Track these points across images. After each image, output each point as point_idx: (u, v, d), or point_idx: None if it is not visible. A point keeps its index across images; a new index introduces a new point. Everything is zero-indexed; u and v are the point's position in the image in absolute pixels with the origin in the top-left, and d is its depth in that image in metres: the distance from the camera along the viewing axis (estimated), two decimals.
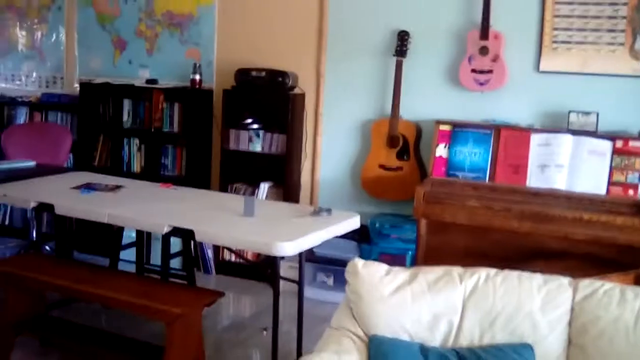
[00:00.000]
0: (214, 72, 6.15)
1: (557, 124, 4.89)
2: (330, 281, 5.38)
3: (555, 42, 4.97)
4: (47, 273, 4.00)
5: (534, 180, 4.67)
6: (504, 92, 5.09)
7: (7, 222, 6.69)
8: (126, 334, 4.14)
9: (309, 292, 4.93)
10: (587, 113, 4.70)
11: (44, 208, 4.23)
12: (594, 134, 4.64)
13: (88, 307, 4.79)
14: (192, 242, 4.99)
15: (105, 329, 4.36)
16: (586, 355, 2.53)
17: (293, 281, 4.20)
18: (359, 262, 2.90)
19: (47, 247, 5.94)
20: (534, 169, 4.68)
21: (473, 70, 5.07)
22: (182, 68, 6.20)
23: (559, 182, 4.60)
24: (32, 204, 4.23)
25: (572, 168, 4.60)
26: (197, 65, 6.04)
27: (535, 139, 4.73)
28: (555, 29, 4.96)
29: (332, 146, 5.73)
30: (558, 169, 4.61)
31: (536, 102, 5.04)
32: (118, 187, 4.63)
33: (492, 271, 2.79)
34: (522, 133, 4.79)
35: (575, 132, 4.67)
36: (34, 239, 5.91)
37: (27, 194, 4.33)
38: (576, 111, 4.73)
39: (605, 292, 2.60)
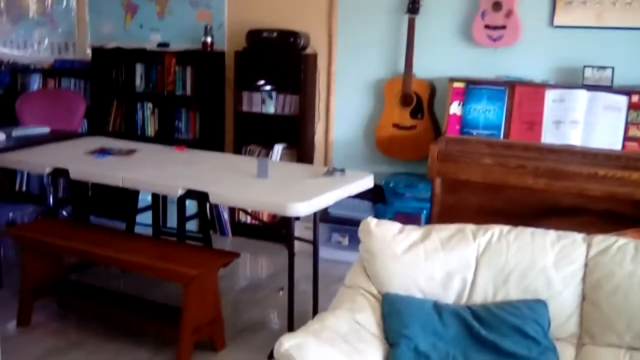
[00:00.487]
0: (225, 34, 6.12)
1: (572, 80, 4.84)
2: (345, 241, 5.40)
3: None
4: (65, 237, 4.04)
5: (548, 136, 4.64)
6: (518, 48, 5.03)
7: (24, 189, 6.73)
8: (143, 296, 4.18)
9: (324, 252, 4.95)
10: (603, 68, 4.65)
11: (59, 173, 4.26)
12: (609, 89, 4.59)
13: (105, 270, 4.83)
14: (207, 204, 5.01)
15: (122, 291, 4.40)
16: (600, 311, 2.53)
17: (308, 241, 4.22)
18: (372, 221, 2.90)
19: (64, 212, 5.98)
20: (549, 125, 4.65)
21: (486, 26, 5.02)
22: (193, 31, 6.16)
23: (574, 138, 4.57)
24: (48, 170, 4.26)
25: (587, 124, 4.56)
26: (209, 27, 6.00)
27: (550, 94, 4.69)
28: None
29: (345, 106, 5.71)
30: (573, 124, 4.58)
31: (550, 57, 4.99)
32: (132, 150, 4.64)
33: (506, 228, 2.79)
34: (536, 89, 4.74)
35: (590, 88, 4.62)
36: (51, 205, 5.95)
37: (42, 160, 4.35)
38: (591, 66, 4.68)
39: (620, 247, 2.60)
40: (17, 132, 5.10)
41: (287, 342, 2.37)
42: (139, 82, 6.23)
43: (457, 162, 4.60)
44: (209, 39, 5.98)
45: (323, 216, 4.92)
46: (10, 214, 5.92)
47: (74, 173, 4.18)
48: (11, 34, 7.16)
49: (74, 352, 3.84)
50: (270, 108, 5.70)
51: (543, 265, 2.63)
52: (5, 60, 7.11)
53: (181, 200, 4.52)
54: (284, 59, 5.69)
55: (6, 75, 6.90)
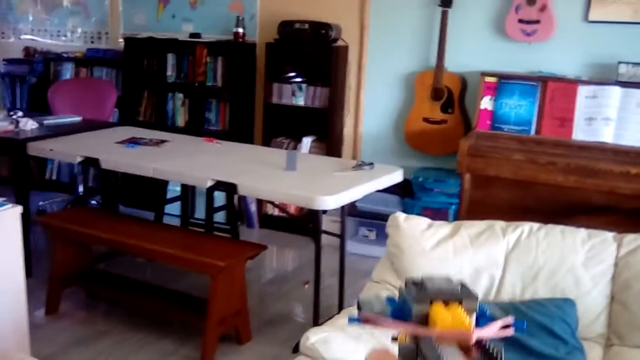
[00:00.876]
0: (257, 25, 6.12)
1: (605, 76, 4.78)
2: (373, 235, 5.39)
3: None
4: (94, 227, 4.07)
5: (580, 133, 4.59)
6: (552, 43, 4.98)
7: (54, 177, 6.79)
8: (170, 286, 4.20)
9: (351, 246, 4.95)
10: (637, 64, 4.57)
11: (90, 162, 4.29)
12: None
13: (132, 259, 4.86)
14: (235, 196, 5.03)
15: (149, 281, 4.43)
16: (629, 311, 2.50)
17: (335, 235, 4.21)
18: (401, 216, 2.89)
19: (94, 202, 6.03)
20: (581, 121, 4.59)
21: (520, 21, 4.96)
22: (225, 21, 6.17)
23: (606, 135, 4.51)
24: (78, 159, 4.29)
25: (620, 121, 4.50)
26: (241, 18, 6.00)
27: (583, 91, 4.63)
28: None
29: (375, 99, 5.68)
30: (605, 121, 4.52)
31: (584, 53, 4.93)
32: (162, 141, 4.66)
33: (535, 225, 2.76)
34: (569, 85, 4.69)
35: (624, 84, 4.55)
36: (81, 194, 6.00)
37: (74, 149, 4.38)
38: (626, 62, 4.61)
39: None
40: (49, 121, 5.14)
41: (314, 336, 2.37)
42: (170, 72, 6.25)
43: (487, 157, 4.56)
44: (240, 30, 5.98)
45: (350, 210, 4.91)
46: (40, 203, 5.99)
47: (105, 163, 4.20)
48: (45, 23, 7.23)
49: (100, 341, 3.87)
50: (300, 100, 5.69)
51: (572, 263, 2.60)
52: (38, 49, 7.18)
53: (210, 192, 4.54)
54: (315, 51, 5.68)
55: (39, 64, 6.97)
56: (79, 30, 7.08)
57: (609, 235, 2.67)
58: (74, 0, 7.06)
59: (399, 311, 0.52)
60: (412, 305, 0.49)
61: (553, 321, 2.49)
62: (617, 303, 2.53)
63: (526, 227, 2.75)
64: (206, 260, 3.59)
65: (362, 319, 0.53)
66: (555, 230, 2.72)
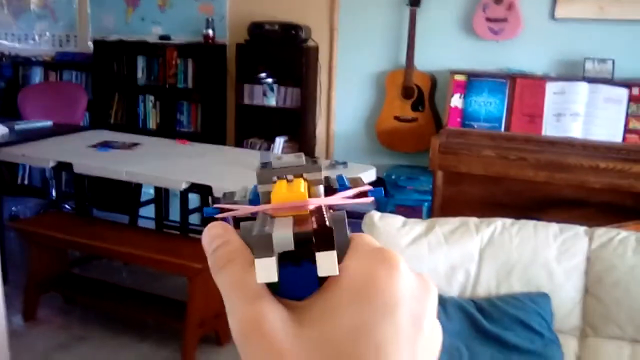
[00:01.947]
0: (226, 27, 6.12)
1: (572, 72, 4.85)
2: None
3: None
4: (69, 231, 4.06)
5: (549, 129, 4.66)
6: (519, 41, 5.05)
7: (26, 182, 6.75)
8: (147, 289, 4.21)
9: None
10: (603, 60, 4.66)
11: (63, 167, 4.28)
12: (610, 81, 4.60)
13: (107, 263, 4.86)
14: (209, 198, 5.03)
15: (126, 284, 4.43)
16: (602, 304, 2.56)
17: None
18: (376, 215, 2.93)
19: (67, 206, 6.00)
20: (550, 117, 4.67)
21: (487, 19, 5.03)
22: (194, 23, 6.17)
23: (575, 130, 4.59)
24: (51, 163, 4.29)
25: (587, 116, 4.58)
26: (210, 20, 6.01)
27: (551, 87, 4.70)
28: None
29: (347, 98, 5.72)
30: (574, 117, 4.60)
31: (551, 50, 5.00)
32: (135, 144, 4.67)
33: (508, 221, 2.81)
34: (537, 82, 4.76)
35: (591, 80, 4.63)
36: (54, 198, 5.98)
37: (46, 154, 4.38)
38: (592, 59, 4.69)
39: (621, 240, 2.62)
40: (19, 126, 5.12)
41: None
42: (140, 75, 6.24)
43: (458, 154, 4.62)
44: (210, 32, 5.98)
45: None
46: (13, 208, 5.95)
47: (78, 167, 4.20)
48: (12, 27, 7.17)
49: (79, 346, 3.87)
50: (272, 101, 5.71)
51: (545, 258, 2.65)
52: (6, 53, 7.13)
53: (184, 194, 4.55)
54: (286, 52, 5.70)
55: (8, 68, 6.92)
56: (47, 33, 7.03)
57: (581, 229, 2.73)
58: (41, 4, 7.02)
59: (257, 196, 0.52)
60: (257, 187, 0.50)
61: (529, 315, 2.54)
62: (590, 296, 2.59)
63: (499, 222, 2.80)
64: (183, 263, 3.60)
65: (219, 210, 0.52)
66: (528, 226, 2.77)
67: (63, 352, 3.79)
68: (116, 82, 6.36)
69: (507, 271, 2.69)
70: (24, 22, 7.11)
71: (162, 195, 5.22)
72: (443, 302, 2.69)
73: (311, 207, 0.45)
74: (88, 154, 4.38)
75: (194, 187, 3.87)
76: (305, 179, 0.49)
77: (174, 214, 5.33)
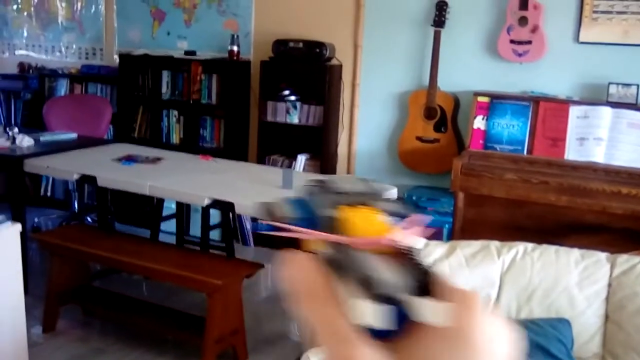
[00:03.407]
0: (251, 43, 6.17)
1: (596, 96, 4.84)
2: None
3: (595, 12, 4.89)
4: (91, 244, 4.09)
5: (572, 153, 4.65)
6: (543, 63, 5.04)
7: (49, 194, 6.81)
8: (166, 304, 4.23)
9: None
10: (628, 85, 4.64)
11: (87, 180, 4.32)
12: (634, 106, 4.59)
13: (129, 277, 4.88)
14: (230, 214, 5.06)
15: (146, 299, 4.45)
16: (623, 331, 2.54)
17: None
18: (397, 236, 2.93)
19: (89, 219, 6.04)
20: (573, 141, 4.65)
21: (512, 41, 5.03)
22: (219, 39, 6.22)
23: (598, 155, 4.57)
24: (75, 176, 4.32)
25: (611, 141, 4.56)
26: (235, 36, 6.05)
27: (574, 111, 4.69)
28: None
29: (369, 118, 5.74)
30: (597, 141, 4.58)
31: (575, 73, 5.00)
32: (158, 158, 4.70)
33: (530, 246, 2.81)
34: (560, 105, 4.75)
35: (614, 105, 4.62)
36: (76, 211, 6.02)
37: (70, 166, 4.42)
38: (616, 83, 4.68)
39: None
40: (44, 137, 5.17)
41: (314, 357, 2.40)
42: (165, 89, 6.29)
43: (480, 176, 4.61)
44: (235, 48, 6.02)
45: None
46: (35, 219, 6.00)
47: (102, 180, 4.23)
48: (40, 38, 7.26)
49: (97, 358, 3.89)
50: (295, 118, 5.74)
51: (567, 284, 2.65)
52: (33, 65, 7.21)
53: (206, 210, 4.57)
54: (309, 70, 5.73)
55: (34, 80, 6.99)
56: (74, 46, 7.11)
57: (603, 255, 2.72)
58: (69, 17, 7.10)
59: (310, 219, 0.51)
60: (316, 210, 0.49)
61: (549, 341, 2.53)
62: (611, 323, 2.58)
63: (521, 247, 2.80)
64: (203, 279, 3.62)
65: (274, 227, 0.52)
66: (550, 251, 2.76)
67: None
68: (141, 96, 6.41)
69: (528, 296, 2.68)
70: (51, 34, 7.19)
71: (183, 211, 5.24)
72: None
73: (393, 242, 0.46)
74: (112, 168, 4.42)
75: (216, 203, 3.89)
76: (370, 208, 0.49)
77: (195, 229, 5.35)
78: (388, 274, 0.42)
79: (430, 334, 0.43)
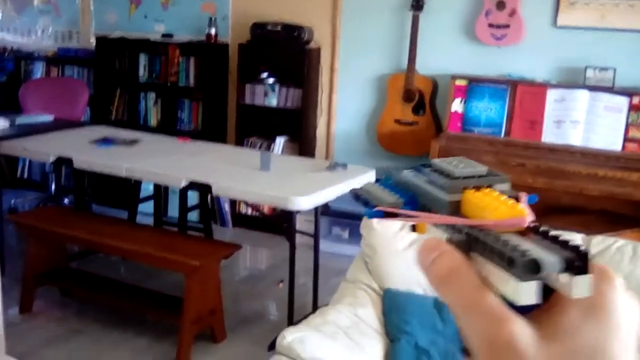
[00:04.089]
0: (229, 26, 6.14)
1: (573, 80, 4.87)
2: (345, 234, 5.44)
3: None
4: (68, 226, 4.07)
5: (549, 135, 4.68)
6: (521, 47, 5.06)
7: (25, 175, 6.76)
8: (144, 285, 4.22)
9: (324, 245, 4.98)
10: (604, 69, 4.68)
11: (63, 162, 4.29)
12: (610, 89, 4.62)
13: (105, 258, 4.87)
14: (209, 195, 5.05)
15: (123, 280, 4.44)
16: None
17: (309, 234, 4.26)
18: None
19: (66, 200, 6.01)
20: (550, 124, 4.68)
21: (490, 25, 5.05)
22: (197, 22, 6.19)
23: (575, 138, 4.61)
24: (52, 158, 4.29)
25: (587, 124, 4.60)
26: (213, 19, 6.02)
27: (552, 94, 4.72)
28: None
29: (348, 101, 5.74)
30: (574, 124, 4.62)
31: (553, 57, 5.02)
32: (135, 141, 4.68)
33: None
34: (538, 88, 4.78)
35: (591, 88, 4.65)
36: (53, 192, 5.98)
37: (47, 148, 4.39)
38: (593, 67, 4.71)
39: (618, 248, 2.63)
40: (20, 120, 5.13)
41: (290, 336, 2.41)
42: (142, 72, 6.25)
43: None
44: (213, 31, 5.99)
45: (323, 209, 4.95)
46: (12, 201, 5.96)
47: (78, 162, 4.21)
48: (15, 21, 7.18)
49: (75, 339, 3.88)
50: (273, 101, 5.72)
51: None
52: (9, 48, 7.14)
53: (183, 191, 4.55)
54: (288, 53, 5.72)
55: (10, 63, 6.93)
56: (50, 29, 7.04)
57: (578, 236, 2.74)
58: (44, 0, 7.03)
59: (413, 201, 0.52)
60: (439, 194, 0.49)
61: None
62: None
63: None
64: (181, 260, 3.61)
65: (383, 213, 0.52)
66: None
67: (59, 345, 3.80)
68: (118, 78, 6.37)
69: None
70: (26, 16, 7.12)
71: (161, 192, 5.23)
72: (439, 306, 2.71)
73: (526, 224, 0.46)
74: (88, 150, 4.39)
75: (194, 185, 3.88)
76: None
77: (173, 210, 5.34)
78: (536, 251, 0.43)
79: (571, 306, 0.44)
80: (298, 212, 3.81)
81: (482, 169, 0.51)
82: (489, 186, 0.50)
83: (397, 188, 0.55)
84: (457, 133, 4.89)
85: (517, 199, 0.48)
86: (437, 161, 0.53)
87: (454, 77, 5.01)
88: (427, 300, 2.73)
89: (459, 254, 0.46)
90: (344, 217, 5.37)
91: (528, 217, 0.46)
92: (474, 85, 4.94)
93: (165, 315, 3.87)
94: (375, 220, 2.89)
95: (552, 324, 0.44)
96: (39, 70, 6.85)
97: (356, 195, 0.57)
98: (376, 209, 0.52)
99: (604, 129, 4.56)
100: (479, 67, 5.18)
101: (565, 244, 0.44)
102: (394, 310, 2.72)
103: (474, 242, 0.46)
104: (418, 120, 5.29)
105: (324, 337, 2.48)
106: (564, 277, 0.42)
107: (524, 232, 0.46)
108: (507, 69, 5.10)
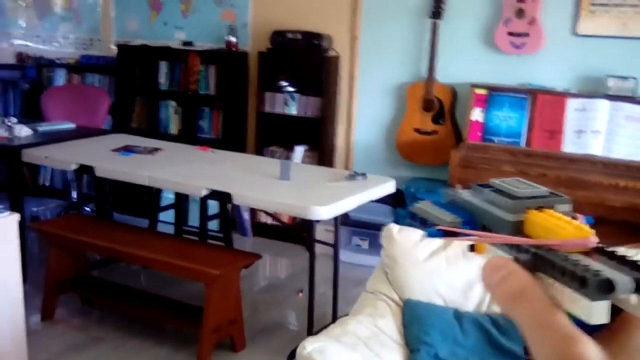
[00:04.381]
0: (249, 34, 6.16)
1: (594, 89, 4.85)
2: (365, 245, 5.44)
3: (593, 4, 4.89)
4: (89, 234, 4.10)
5: (569, 145, 4.66)
6: (541, 56, 5.05)
7: (47, 183, 6.81)
8: (164, 294, 4.24)
9: (343, 255, 5.00)
10: (625, 78, 4.65)
11: (85, 170, 4.32)
12: (631, 99, 4.60)
13: (127, 267, 4.90)
14: (229, 204, 5.07)
15: (144, 288, 4.46)
16: None
17: (328, 244, 4.26)
18: (394, 228, 2.94)
19: (87, 208, 6.05)
20: (570, 134, 4.67)
21: (509, 33, 5.04)
22: (217, 30, 6.22)
23: (595, 147, 4.59)
24: (73, 166, 4.32)
25: (608, 134, 4.58)
26: (233, 27, 6.04)
27: (572, 103, 4.71)
28: None
29: (367, 109, 5.74)
30: (594, 134, 4.60)
31: (573, 66, 5.00)
32: (156, 149, 4.70)
33: None
34: (558, 98, 4.76)
35: (612, 97, 4.63)
36: (75, 200, 6.03)
37: (68, 156, 4.42)
38: (614, 76, 4.69)
39: None
40: (43, 128, 5.17)
41: (310, 346, 2.41)
42: (163, 80, 6.29)
43: (477, 169, 4.63)
44: (232, 39, 6.02)
45: (343, 219, 4.95)
46: (34, 209, 6.01)
47: (100, 170, 4.24)
48: (37, 28, 7.24)
49: (95, 347, 3.91)
50: (293, 109, 5.74)
51: None
52: (30, 55, 7.20)
53: (204, 200, 4.58)
54: (307, 61, 5.73)
55: (32, 70, 6.98)
56: (71, 36, 7.09)
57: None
58: (66, 6, 7.08)
59: (471, 221, 0.53)
60: (502, 214, 0.50)
61: None
62: None
63: None
64: (201, 269, 3.63)
65: (443, 232, 0.53)
66: None
67: (79, 353, 3.82)
68: (138, 86, 6.41)
69: None
70: (48, 23, 7.18)
71: (181, 201, 5.25)
72: (459, 317, 2.71)
73: (594, 245, 0.47)
74: (110, 158, 4.42)
75: (214, 194, 3.89)
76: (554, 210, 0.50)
77: (193, 219, 5.36)
78: (608, 271, 0.43)
79: (637, 325, 0.45)
80: (318, 221, 3.82)
81: (543, 189, 0.53)
82: (551, 207, 0.51)
83: (453, 207, 0.56)
84: (477, 142, 4.88)
85: (575, 219, 0.48)
86: (496, 181, 0.55)
87: (474, 86, 5.00)
88: (447, 311, 2.73)
89: (527, 273, 0.47)
90: (363, 227, 5.37)
91: (594, 237, 0.47)
92: (493, 94, 4.93)
93: (185, 324, 3.88)
94: (395, 230, 2.90)
95: (620, 343, 0.45)
96: (60, 77, 6.90)
97: (412, 214, 0.58)
98: (437, 228, 0.53)
99: (625, 138, 4.53)
100: (498, 75, 5.17)
101: (634, 264, 0.44)
102: (414, 321, 2.72)
103: (540, 262, 0.46)
104: (438, 129, 5.29)
105: (344, 347, 2.48)
106: (633, 297, 0.43)
107: (589, 253, 0.46)
108: (527, 77, 5.09)
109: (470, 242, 0.54)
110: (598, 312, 0.43)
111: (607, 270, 0.43)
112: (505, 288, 0.48)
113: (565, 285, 0.44)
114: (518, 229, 0.50)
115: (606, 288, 0.42)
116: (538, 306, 0.46)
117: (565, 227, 0.47)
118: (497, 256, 0.51)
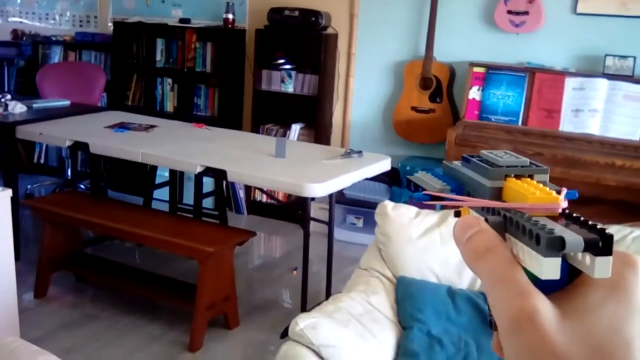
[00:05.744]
0: (246, 11, 6.11)
1: (592, 68, 4.82)
2: (360, 223, 5.42)
3: None
4: (83, 211, 4.07)
5: (567, 124, 4.64)
6: (540, 34, 5.01)
7: (42, 161, 6.79)
8: (158, 271, 4.23)
9: (338, 233, 4.98)
10: (624, 57, 4.62)
11: (79, 147, 4.30)
12: (630, 78, 4.57)
13: (121, 244, 4.88)
14: (224, 182, 5.04)
15: (138, 266, 4.44)
16: None
17: (323, 222, 4.24)
18: (389, 204, 2.92)
19: (82, 186, 6.03)
20: (568, 113, 4.64)
21: (509, 12, 4.99)
22: (214, 7, 6.17)
23: (593, 127, 4.56)
24: (68, 143, 4.30)
25: (606, 113, 4.55)
26: (230, 4, 6.00)
27: (570, 82, 4.67)
28: None
29: (364, 87, 5.71)
30: (592, 113, 4.57)
31: (572, 45, 4.96)
32: (152, 126, 4.67)
33: None
34: (556, 76, 4.73)
35: (611, 77, 4.60)
36: (69, 178, 6.00)
37: (63, 133, 4.39)
38: (613, 55, 4.66)
39: (634, 238, 2.61)
40: (37, 104, 5.13)
41: (302, 322, 2.40)
42: (159, 57, 6.25)
43: (474, 147, 4.60)
44: (230, 16, 5.98)
45: (338, 197, 4.94)
46: (28, 186, 5.99)
47: (94, 147, 4.21)
48: (33, 5, 7.19)
49: (89, 324, 3.89)
50: (289, 87, 5.70)
51: None
52: (26, 32, 7.15)
53: (199, 177, 4.56)
54: (305, 39, 5.69)
55: (27, 47, 6.94)
56: (68, 13, 7.04)
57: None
58: None
59: (459, 188, 0.56)
60: (483, 181, 0.53)
61: None
62: None
63: None
64: (195, 246, 3.61)
65: (430, 197, 0.56)
66: None
67: (73, 330, 3.81)
68: (135, 63, 6.37)
69: None
70: (45, 1, 7.12)
71: (176, 178, 5.23)
72: (452, 294, 2.69)
73: (560, 210, 0.49)
74: (105, 135, 4.40)
75: (209, 171, 3.87)
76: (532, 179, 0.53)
77: (188, 197, 5.34)
78: (562, 230, 0.46)
79: (593, 286, 0.47)
80: (313, 199, 3.80)
81: (524, 159, 0.55)
82: (530, 176, 0.53)
83: (446, 177, 0.59)
84: (474, 121, 4.86)
85: (559, 193, 0.51)
86: (485, 152, 0.57)
87: (472, 65, 4.97)
88: (440, 288, 2.72)
89: (494, 232, 0.49)
90: (358, 206, 5.35)
91: (562, 203, 0.49)
92: (491, 73, 4.89)
93: (179, 302, 3.87)
94: (390, 207, 2.88)
95: (573, 302, 0.47)
96: (56, 54, 6.86)
97: (408, 181, 0.61)
98: (423, 193, 0.56)
99: (623, 118, 4.50)
100: (497, 54, 5.14)
101: (591, 227, 0.46)
102: (408, 298, 2.70)
103: (509, 223, 0.49)
104: (435, 107, 5.26)
105: (337, 324, 2.47)
106: (587, 257, 0.45)
107: (557, 218, 0.49)
108: (526, 56, 5.05)
109: (457, 209, 0.57)
110: (549, 267, 0.45)
111: (561, 230, 0.46)
112: (472, 244, 0.49)
113: (524, 244, 0.47)
114: (497, 195, 0.53)
115: (557, 245, 0.44)
116: (499, 262, 0.48)
117: (534, 193, 0.49)
118: (470, 215, 0.53)
